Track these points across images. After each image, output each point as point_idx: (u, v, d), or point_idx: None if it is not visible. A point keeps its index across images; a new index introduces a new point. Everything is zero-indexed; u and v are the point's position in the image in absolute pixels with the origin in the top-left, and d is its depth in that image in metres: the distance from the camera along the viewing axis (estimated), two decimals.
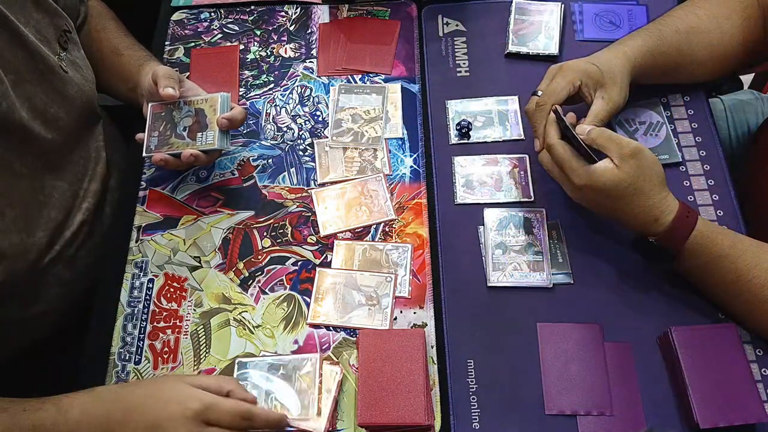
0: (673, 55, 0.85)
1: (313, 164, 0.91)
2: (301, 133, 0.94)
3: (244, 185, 0.90)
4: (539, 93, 0.80)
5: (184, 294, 0.82)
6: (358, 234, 0.85)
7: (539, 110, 0.79)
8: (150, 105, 0.87)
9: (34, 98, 0.78)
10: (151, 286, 0.82)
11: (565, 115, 0.77)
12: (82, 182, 0.88)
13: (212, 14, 1.06)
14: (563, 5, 1.00)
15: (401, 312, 0.79)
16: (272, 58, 1.01)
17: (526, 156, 0.88)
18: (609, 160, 0.71)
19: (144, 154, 0.86)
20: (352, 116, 0.94)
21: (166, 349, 0.78)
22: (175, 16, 1.06)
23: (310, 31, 1.03)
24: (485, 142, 0.91)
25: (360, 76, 0.98)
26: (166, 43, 1.03)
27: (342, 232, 0.85)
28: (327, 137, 0.92)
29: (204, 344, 0.78)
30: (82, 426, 0.65)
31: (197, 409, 0.64)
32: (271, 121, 0.95)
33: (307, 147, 0.92)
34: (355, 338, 0.77)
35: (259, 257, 0.84)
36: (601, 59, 0.81)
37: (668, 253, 0.72)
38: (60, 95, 0.82)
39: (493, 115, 0.92)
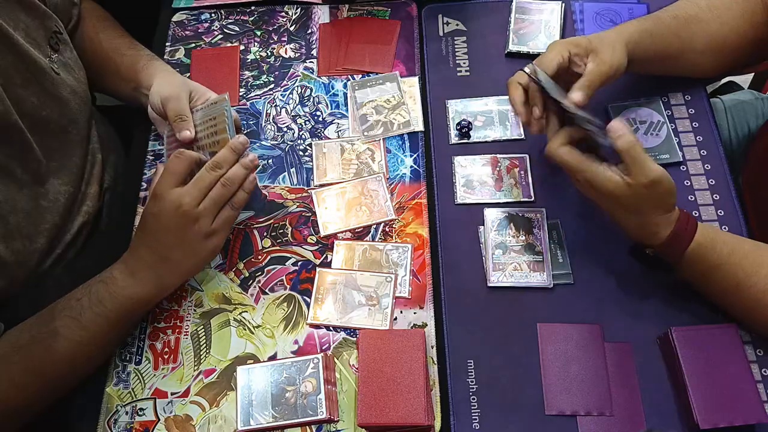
0: (671, 39, 0.84)
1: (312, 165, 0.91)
2: (301, 133, 0.94)
3: None
4: (527, 69, 0.78)
5: (184, 294, 0.82)
6: (358, 234, 0.85)
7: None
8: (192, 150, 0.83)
9: (24, 102, 0.78)
10: None
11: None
12: (80, 185, 0.88)
13: (212, 15, 1.06)
14: (564, 4, 1.00)
15: (401, 312, 0.79)
16: (272, 59, 1.01)
17: (527, 156, 0.88)
18: (620, 174, 0.69)
19: None
20: (375, 108, 0.94)
21: (166, 349, 0.78)
22: (176, 17, 1.06)
23: (310, 31, 1.03)
24: (485, 142, 0.90)
25: (360, 76, 0.98)
26: (167, 44, 1.03)
27: (342, 232, 0.85)
28: (327, 138, 0.92)
29: (204, 344, 0.78)
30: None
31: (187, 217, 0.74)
32: (271, 121, 0.95)
33: (307, 147, 0.92)
34: (355, 338, 0.78)
35: (260, 257, 0.84)
36: (590, 35, 0.80)
37: (666, 263, 0.72)
38: (52, 98, 0.82)
39: (493, 114, 0.92)
